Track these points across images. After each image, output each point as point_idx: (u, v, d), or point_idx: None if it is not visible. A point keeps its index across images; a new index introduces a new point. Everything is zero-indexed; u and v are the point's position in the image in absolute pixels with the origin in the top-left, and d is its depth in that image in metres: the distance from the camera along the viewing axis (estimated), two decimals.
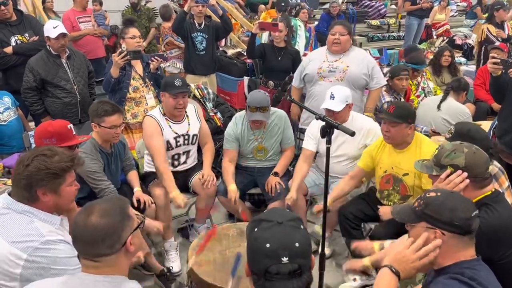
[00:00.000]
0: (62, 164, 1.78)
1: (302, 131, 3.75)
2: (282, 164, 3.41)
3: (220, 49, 6.13)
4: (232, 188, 3.24)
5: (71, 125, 2.61)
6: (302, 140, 3.45)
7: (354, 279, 2.96)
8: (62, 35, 3.62)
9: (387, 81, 4.16)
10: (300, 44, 5.94)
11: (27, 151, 3.65)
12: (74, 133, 2.60)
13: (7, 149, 3.77)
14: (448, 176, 1.89)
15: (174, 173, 3.22)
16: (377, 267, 2.24)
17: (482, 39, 6.51)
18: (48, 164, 1.75)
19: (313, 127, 3.31)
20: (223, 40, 6.41)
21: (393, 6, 10.05)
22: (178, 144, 3.29)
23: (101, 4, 6.49)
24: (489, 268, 1.61)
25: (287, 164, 3.46)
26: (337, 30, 3.67)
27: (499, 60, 2.99)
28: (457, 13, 10.52)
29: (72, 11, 6.04)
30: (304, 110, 3.91)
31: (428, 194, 1.64)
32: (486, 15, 8.92)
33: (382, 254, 2.17)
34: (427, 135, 3.79)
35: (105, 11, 6.58)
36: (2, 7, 4.04)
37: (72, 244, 1.49)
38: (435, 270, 1.64)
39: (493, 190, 1.92)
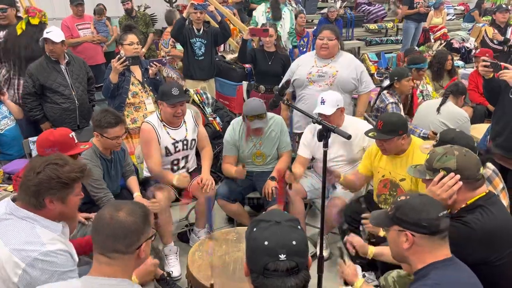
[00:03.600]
0: (72, 174, 1.78)
1: (297, 134, 3.81)
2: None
3: (219, 54, 6.15)
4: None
5: (73, 134, 2.60)
6: (298, 142, 3.49)
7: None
8: (51, 41, 3.63)
9: (392, 83, 4.19)
10: (285, 24, 6.01)
11: (27, 158, 3.66)
12: (76, 141, 2.59)
13: (6, 157, 3.77)
14: (441, 179, 1.91)
15: None
16: (377, 259, 2.27)
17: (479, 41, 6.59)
18: (60, 173, 1.74)
19: (307, 134, 3.36)
20: (222, 45, 6.43)
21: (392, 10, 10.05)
22: (177, 149, 3.30)
23: (100, 13, 6.50)
24: (464, 267, 1.64)
25: (284, 169, 3.46)
26: (325, 35, 3.69)
27: (489, 63, 3.02)
28: (454, 17, 10.53)
29: (71, 18, 6.06)
30: (294, 114, 3.94)
31: (399, 199, 1.71)
32: (484, 18, 9.00)
33: (386, 250, 2.19)
34: (426, 138, 3.81)
35: (106, 19, 6.60)
36: (0, 13, 4.13)
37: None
38: (414, 274, 1.68)
39: (487, 191, 1.93)
